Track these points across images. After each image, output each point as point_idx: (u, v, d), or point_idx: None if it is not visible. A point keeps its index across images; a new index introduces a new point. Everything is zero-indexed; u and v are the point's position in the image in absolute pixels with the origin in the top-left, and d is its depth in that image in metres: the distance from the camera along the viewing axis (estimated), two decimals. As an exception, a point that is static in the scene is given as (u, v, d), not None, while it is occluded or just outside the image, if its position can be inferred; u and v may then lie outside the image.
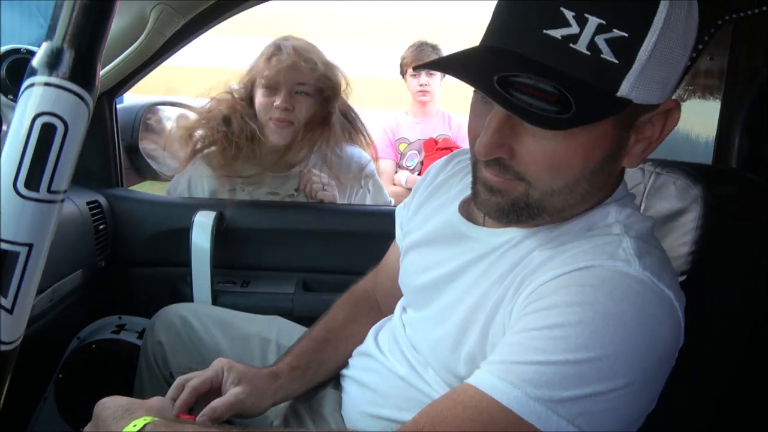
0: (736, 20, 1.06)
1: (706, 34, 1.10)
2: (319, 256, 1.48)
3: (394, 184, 2.38)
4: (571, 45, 0.52)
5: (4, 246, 0.45)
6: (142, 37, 1.23)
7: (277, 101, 1.40)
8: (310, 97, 1.44)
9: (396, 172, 2.43)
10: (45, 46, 0.43)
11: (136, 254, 1.45)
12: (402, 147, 2.45)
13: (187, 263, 1.38)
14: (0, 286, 0.45)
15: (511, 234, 0.69)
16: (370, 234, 1.42)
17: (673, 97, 0.61)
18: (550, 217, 0.64)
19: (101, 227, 1.34)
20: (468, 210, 0.78)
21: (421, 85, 2.37)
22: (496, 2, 0.60)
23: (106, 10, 0.44)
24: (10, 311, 0.46)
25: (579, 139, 0.57)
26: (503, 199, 0.63)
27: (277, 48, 1.43)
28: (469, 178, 0.71)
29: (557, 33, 0.52)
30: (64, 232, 1.20)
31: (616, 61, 0.52)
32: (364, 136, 1.60)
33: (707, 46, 1.11)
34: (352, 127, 1.57)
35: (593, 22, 0.51)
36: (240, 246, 1.45)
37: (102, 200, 1.38)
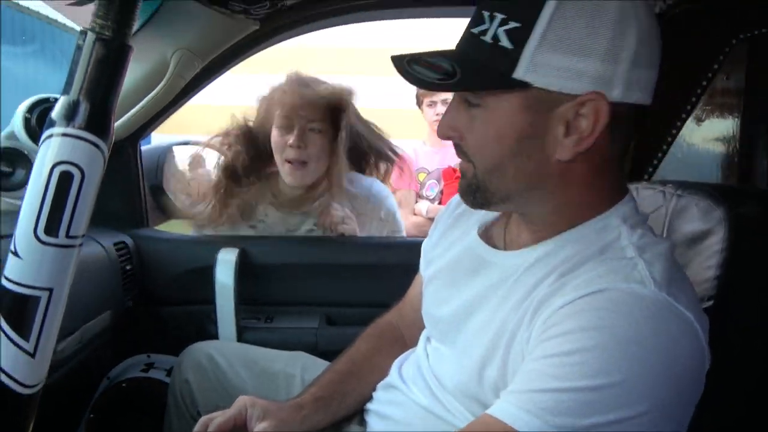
0: (750, 39, 1.05)
1: (720, 54, 1.09)
2: (342, 289, 1.48)
3: (415, 214, 2.38)
4: (481, 37, 0.63)
5: (26, 291, 0.47)
6: (164, 81, 1.28)
7: (290, 140, 1.41)
8: (322, 134, 1.44)
9: (416, 202, 2.43)
10: (62, 99, 0.46)
11: (162, 293, 1.47)
12: (421, 177, 2.46)
13: (212, 300, 1.40)
14: (22, 331, 0.47)
15: (524, 256, 0.70)
16: (392, 266, 1.42)
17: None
18: (502, 203, 0.69)
19: (128, 267, 1.37)
20: (488, 234, 0.79)
21: (437, 114, 2.38)
22: None
23: (118, 64, 0.46)
24: (32, 355, 0.48)
25: (490, 119, 0.64)
26: (463, 182, 0.71)
27: (284, 86, 1.44)
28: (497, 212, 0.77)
29: (476, 29, 0.63)
30: (92, 273, 1.23)
31: (510, 47, 0.60)
32: (385, 163, 1.61)
33: (723, 66, 1.10)
34: (368, 158, 1.59)
35: (498, 17, 0.61)
36: (263, 282, 1.47)
37: (128, 241, 1.41)
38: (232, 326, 1.39)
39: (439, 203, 2.39)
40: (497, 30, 0.61)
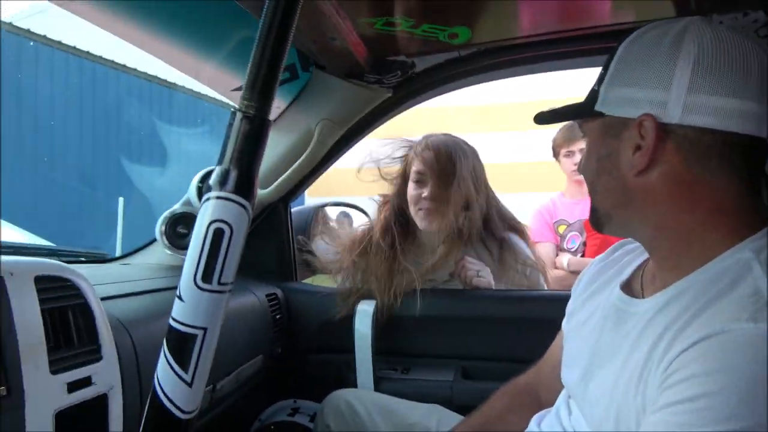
0: None
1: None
2: (479, 343, 1.47)
3: (556, 268, 2.29)
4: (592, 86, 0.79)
5: (186, 329, 0.56)
6: (309, 148, 1.43)
7: (425, 192, 1.49)
8: (456, 190, 1.49)
9: (557, 255, 2.34)
10: (217, 168, 0.56)
11: (307, 341, 1.58)
12: (561, 229, 2.38)
13: (351, 350, 1.47)
14: (182, 363, 0.55)
15: (656, 300, 0.69)
16: (531, 320, 1.39)
17: None
18: (608, 222, 0.78)
19: (278, 317, 1.50)
20: (628, 286, 0.79)
21: (575, 164, 2.31)
22: None
23: (260, 137, 0.55)
24: (190, 384, 0.56)
25: (587, 145, 0.80)
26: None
27: (422, 145, 1.54)
28: (635, 262, 0.82)
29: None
30: (247, 320, 1.38)
31: (597, 88, 0.76)
32: (513, 221, 1.62)
33: None
34: (499, 214, 1.59)
35: (601, 70, 0.77)
36: (400, 333, 1.51)
37: (279, 292, 1.56)
38: (370, 376, 1.45)
39: (582, 255, 2.28)
40: (597, 79, 0.77)
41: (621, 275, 0.82)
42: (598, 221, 0.79)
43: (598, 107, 0.75)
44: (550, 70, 1.42)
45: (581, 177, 2.56)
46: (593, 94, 0.76)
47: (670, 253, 0.71)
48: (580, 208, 2.35)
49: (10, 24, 5.83)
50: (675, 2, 1.05)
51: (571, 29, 1.24)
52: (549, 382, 0.95)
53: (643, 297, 0.74)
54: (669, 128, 0.68)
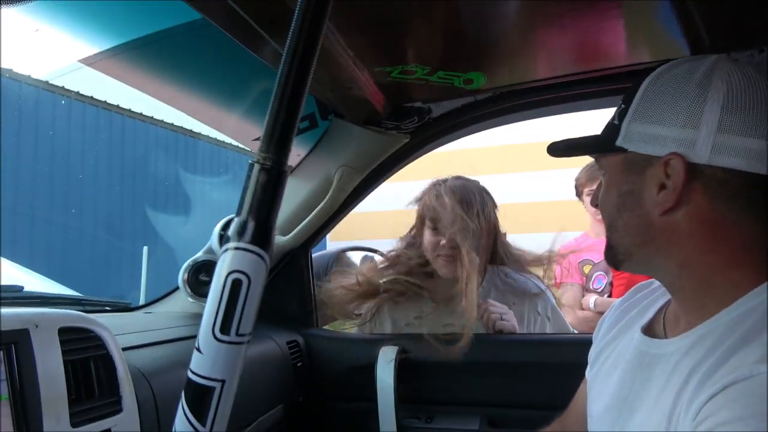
0: None
1: None
2: (504, 389, 1.43)
3: (582, 309, 2.24)
4: (609, 120, 0.78)
5: (204, 382, 0.55)
6: (329, 195, 1.45)
7: (443, 240, 1.46)
8: (473, 233, 1.47)
9: (583, 296, 2.29)
10: (236, 219, 0.56)
11: (329, 389, 1.56)
12: (586, 269, 2.33)
13: (374, 397, 1.44)
14: (200, 416, 0.55)
15: (682, 341, 0.68)
16: (556, 365, 1.35)
17: None
18: (628, 260, 0.76)
19: (299, 364, 1.48)
20: (650, 328, 0.78)
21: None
22: None
23: (277, 188, 0.56)
24: (207, 439, 0.55)
25: (605, 179, 0.79)
26: (605, 247, 0.81)
27: (434, 191, 1.51)
28: (657, 304, 0.80)
29: (612, 117, 0.78)
30: (268, 369, 1.36)
31: (617, 123, 0.75)
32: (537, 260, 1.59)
33: None
34: (516, 255, 1.57)
35: (621, 105, 0.76)
36: (423, 380, 1.48)
37: (300, 339, 1.54)
38: (392, 424, 1.41)
39: (609, 295, 2.22)
40: (616, 113, 0.77)
41: (642, 318, 0.81)
42: (615, 258, 0.78)
43: (620, 143, 0.74)
44: (566, 112, 1.42)
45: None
46: (613, 129, 0.75)
47: (693, 294, 0.70)
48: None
49: (46, 82, 6.11)
50: (689, 41, 1.05)
51: (586, 71, 1.25)
52: None
53: (666, 337, 0.73)
54: (697, 168, 0.67)
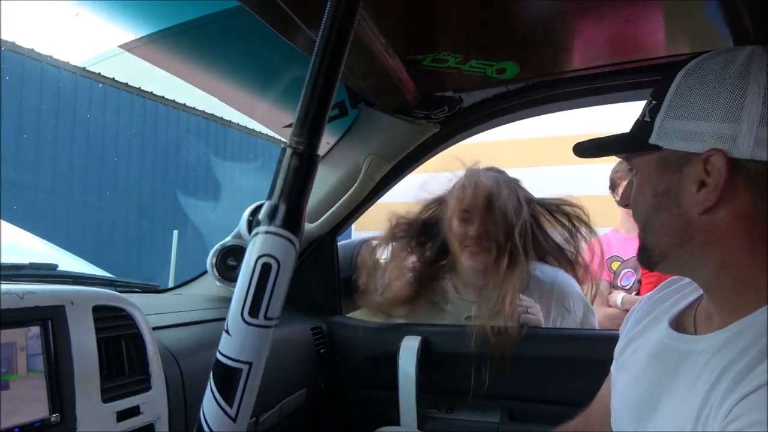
0: None
1: None
2: (526, 383, 1.42)
3: (609, 306, 2.20)
4: (638, 117, 0.76)
5: (233, 363, 0.56)
6: (357, 183, 1.45)
7: (471, 231, 1.45)
8: (502, 227, 1.46)
9: (610, 293, 2.25)
10: (267, 203, 0.56)
11: (351, 376, 1.57)
12: (615, 266, 2.29)
13: (395, 386, 1.45)
14: (228, 398, 0.56)
15: (715, 338, 0.66)
16: (580, 360, 1.34)
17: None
18: (664, 261, 0.74)
19: (322, 351, 1.50)
20: (679, 322, 0.77)
21: None
22: None
23: (309, 172, 0.56)
24: (234, 419, 0.56)
25: (639, 180, 0.76)
26: (638, 248, 0.78)
27: (467, 181, 1.50)
28: (687, 299, 0.79)
29: (640, 114, 0.76)
30: (291, 353, 1.38)
31: (649, 120, 0.73)
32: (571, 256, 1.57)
33: None
34: (554, 248, 1.55)
35: (650, 101, 0.74)
36: (444, 370, 1.47)
37: (324, 326, 1.55)
38: (413, 413, 1.41)
39: (637, 293, 2.18)
40: (646, 110, 0.74)
41: (669, 312, 0.80)
42: (650, 260, 0.75)
43: (654, 140, 0.71)
44: (600, 104, 1.40)
45: None
46: (645, 126, 0.73)
47: (730, 292, 0.68)
48: (635, 245, 2.26)
49: (83, 69, 6.26)
50: (733, 31, 1.01)
51: (622, 62, 1.22)
52: (599, 430, 0.91)
53: (696, 334, 0.72)
54: (739, 164, 0.65)
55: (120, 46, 1.08)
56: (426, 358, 1.45)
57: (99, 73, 6.33)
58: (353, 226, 1.89)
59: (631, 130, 0.76)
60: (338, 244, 1.72)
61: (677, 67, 0.72)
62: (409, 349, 1.45)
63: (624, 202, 0.81)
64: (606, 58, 1.22)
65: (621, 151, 0.81)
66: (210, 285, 1.47)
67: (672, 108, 0.70)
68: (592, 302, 1.66)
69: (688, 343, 0.71)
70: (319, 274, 1.65)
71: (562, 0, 0.98)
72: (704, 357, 0.66)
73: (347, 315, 1.72)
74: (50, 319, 0.76)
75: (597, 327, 1.61)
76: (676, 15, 1.01)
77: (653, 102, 0.73)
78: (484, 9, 1.02)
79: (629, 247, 2.28)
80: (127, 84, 6.54)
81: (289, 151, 0.56)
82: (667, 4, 0.98)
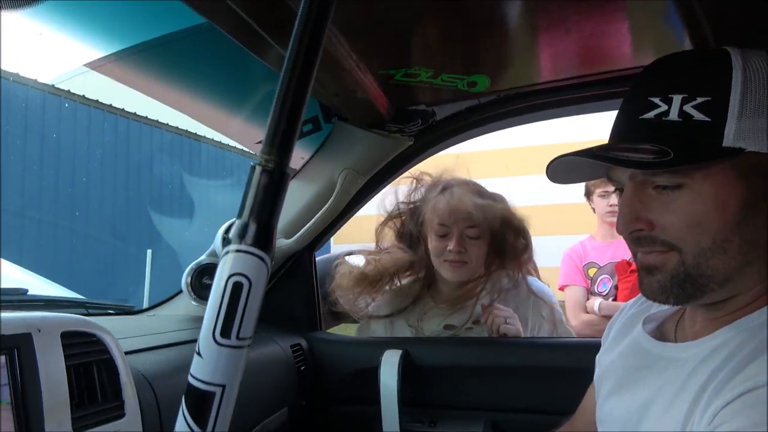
0: None
1: None
2: (508, 393, 1.42)
3: (587, 312, 2.23)
4: (663, 119, 0.63)
5: (205, 387, 0.54)
6: (333, 198, 1.44)
7: (450, 245, 1.45)
8: (481, 239, 1.47)
9: (587, 299, 2.28)
10: (237, 221, 0.56)
11: (332, 392, 1.55)
12: (591, 272, 2.32)
13: (377, 401, 1.43)
14: (200, 422, 0.54)
15: (701, 345, 0.65)
16: (561, 369, 1.35)
17: None
18: (719, 288, 0.64)
19: (302, 368, 1.48)
20: (658, 330, 0.76)
21: (611, 205, 2.26)
22: None
23: (279, 190, 0.56)
24: (208, 445, 0.55)
25: (702, 195, 0.62)
26: (663, 276, 0.65)
27: (440, 194, 1.49)
28: (666, 307, 0.76)
29: (650, 114, 0.64)
30: (271, 372, 1.36)
31: (708, 119, 0.61)
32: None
33: None
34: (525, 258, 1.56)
35: (677, 98, 0.63)
36: (426, 383, 1.47)
37: (303, 343, 1.54)
38: (396, 428, 1.40)
39: (614, 299, 2.21)
40: (682, 108, 0.63)
41: (651, 321, 0.78)
42: (701, 289, 0.64)
43: (731, 143, 0.61)
44: (570, 115, 1.42)
45: (614, 219, 2.49)
46: (711, 128, 0.61)
47: (728, 303, 0.66)
48: (611, 251, 2.30)
49: (52, 86, 6.15)
50: (695, 43, 1.04)
51: (590, 74, 1.25)
52: None
53: (676, 341, 0.71)
54: None
55: (85, 65, 1.07)
56: (408, 371, 1.44)
57: (68, 90, 6.23)
58: (332, 239, 1.88)
59: (680, 135, 0.62)
60: (317, 258, 1.71)
61: (708, 55, 0.66)
62: (390, 362, 1.44)
63: (630, 228, 0.67)
64: (574, 70, 1.24)
65: (694, 161, 0.63)
66: (186, 305, 1.44)
67: (747, 104, 0.61)
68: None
69: (673, 351, 0.69)
70: (298, 290, 1.63)
71: (529, 15, 1.00)
72: (690, 364, 0.65)
73: (327, 330, 1.71)
74: (16, 348, 0.74)
75: (573, 334, 1.62)
76: (637, 27, 1.04)
77: (699, 99, 0.62)
78: (453, 24, 1.03)
79: (605, 254, 2.31)
80: (97, 101, 6.45)
81: (258, 169, 0.56)
82: (630, 18, 1.01)
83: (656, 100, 0.64)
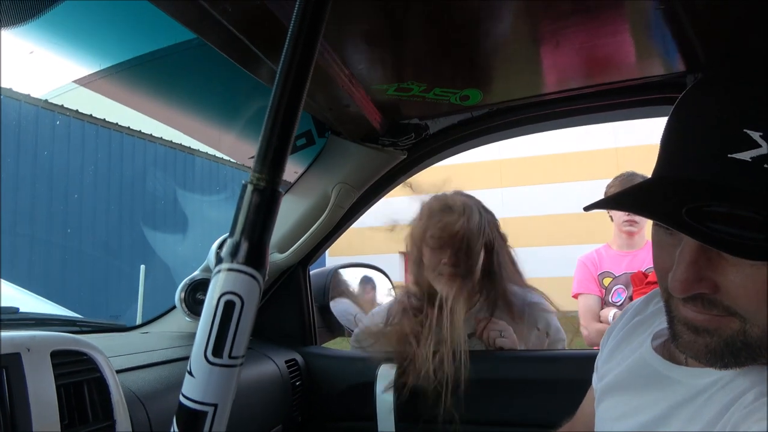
0: None
1: None
2: (506, 407, 1.41)
3: (600, 321, 2.21)
4: (765, 165, 0.49)
5: (197, 406, 0.54)
6: (326, 212, 1.44)
7: (445, 258, 1.44)
8: (476, 250, 1.45)
9: (602, 308, 2.26)
10: (229, 240, 0.55)
11: (328, 408, 1.53)
12: (606, 281, 2.30)
13: (373, 416, 1.42)
14: (192, 444, 0.53)
15: (719, 374, 0.61)
16: (560, 382, 1.34)
17: None
18: None
19: (297, 383, 1.47)
20: (667, 349, 0.73)
21: (629, 215, 2.25)
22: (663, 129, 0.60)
23: (271, 208, 0.55)
24: (200, 466, 0.54)
25: None
26: (713, 340, 0.56)
27: (433, 209, 1.48)
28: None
29: (745, 155, 0.49)
30: (267, 389, 1.34)
31: None
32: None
33: None
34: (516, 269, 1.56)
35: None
36: (422, 398, 1.45)
37: (298, 358, 1.52)
38: (392, 444, 1.39)
39: (629, 310, 2.20)
40: None
41: (659, 336, 0.75)
42: (752, 359, 0.56)
43: None
44: (563, 127, 1.43)
45: (632, 228, 2.46)
46: None
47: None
48: (628, 261, 2.28)
49: (45, 101, 6.14)
50: (685, 58, 1.05)
51: (580, 87, 1.26)
52: None
53: (687, 364, 0.68)
54: None
55: (75, 81, 1.07)
56: (403, 385, 1.43)
57: (62, 105, 6.23)
58: (327, 252, 1.88)
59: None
60: (311, 272, 1.70)
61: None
62: (386, 377, 1.43)
63: (689, 290, 0.55)
64: (565, 84, 1.25)
65: None
66: (179, 321, 1.43)
67: None
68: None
69: (686, 375, 0.66)
70: (292, 305, 1.62)
71: (520, 29, 1.01)
72: (708, 391, 0.61)
73: (323, 345, 1.69)
74: (5, 368, 0.73)
75: (565, 346, 1.61)
76: (628, 43, 1.05)
77: None
78: (445, 39, 1.04)
79: (621, 264, 2.30)
80: (91, 116, 6.44)
81: (250, 187, 0.55)
82: (621, 32, 1.01)
83: (755, 136, 0.49)
